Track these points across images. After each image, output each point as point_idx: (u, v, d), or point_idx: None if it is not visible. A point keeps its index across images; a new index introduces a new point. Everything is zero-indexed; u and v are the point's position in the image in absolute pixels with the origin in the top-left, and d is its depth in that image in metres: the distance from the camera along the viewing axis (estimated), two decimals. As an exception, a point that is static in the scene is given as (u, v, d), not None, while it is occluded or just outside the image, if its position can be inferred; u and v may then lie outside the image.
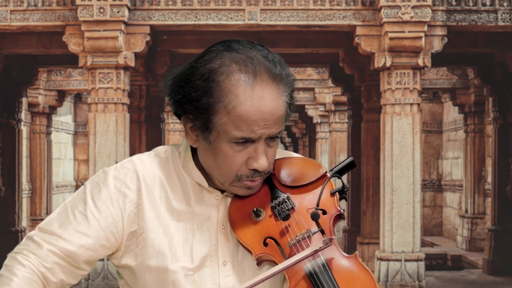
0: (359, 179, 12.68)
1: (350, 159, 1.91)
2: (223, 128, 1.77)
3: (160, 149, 1.96)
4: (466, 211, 16.19)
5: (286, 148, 30.80)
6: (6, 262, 1.83)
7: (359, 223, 12.98)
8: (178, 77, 1.83)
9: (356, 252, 1.84)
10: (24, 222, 15.19)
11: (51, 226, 1.85)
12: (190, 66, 1.81)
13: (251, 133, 1.77)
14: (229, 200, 1.89)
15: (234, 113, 1.75)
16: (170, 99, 1.85)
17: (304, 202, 1.86)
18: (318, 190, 1.86)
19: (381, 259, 10.28)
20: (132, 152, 11.11)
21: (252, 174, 1.81)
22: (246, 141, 1.78)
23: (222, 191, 1.90)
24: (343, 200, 1.89)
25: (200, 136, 1.82)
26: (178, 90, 1.82)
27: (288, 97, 1.80)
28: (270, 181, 1.88)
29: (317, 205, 1.82)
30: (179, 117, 1.87)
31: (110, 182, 1.87)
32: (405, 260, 10.18)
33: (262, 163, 1.79)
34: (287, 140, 31.68)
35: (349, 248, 13.35)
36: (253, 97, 1.75)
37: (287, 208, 1.83)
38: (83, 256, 1.84)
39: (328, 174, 1.89)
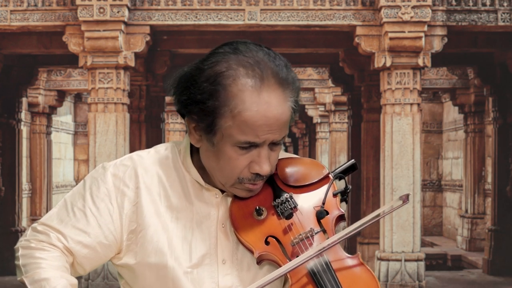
0: (359, 179, 12.67)
1: (352, 161, 1.92)
2: (227, 132, 1.76)
3: (161, 146, 1.95)
4: (466, 211, 16.18)
5: (286, 148, 30.79)
6: (21, 252, 1.84)
7: (359, 223, 12.96)
8: (183, 77, 1.81)
9: (359, 252, 1.84)
10: (24, 222, 15.19)
11: (52, 222, 1.86)
12: (196, 67, 1.80)
13: (255, 138, 1.76)
14: (229, 199, 1.89)
15: (240, 118, 1.74)
16: (175, 99, 1.83)
17: (307, 201, 1.86)
18: (320, 190, 1.87)
19: (381, 259, 10.28)
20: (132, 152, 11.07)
21: (254, 178, 1.81)
22: (250, 146, 1.78)
23: (222, 190, 1.90)
24: (344, 203, 1.89)
25: (203, 137, 1.82)
26: (183, 91, 1.80)
27: (294, 102, 1.80)
28: (273, 180, 1.87)
29: (323, 203, 1.83)
30: (183, 116, 1.85)
31: (108, 180, 1.87)
32: (405, 260, 10.18)
33: (265, 168, 1.79)
34: (287, 140, 31.65)
35: (349, 248, 13.35)
36: (259, 103, 1.74)
37: (290, 207, 1.83)
38: (82, 253, 1.84)
39: (330, 175, 1.89)
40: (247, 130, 1.75)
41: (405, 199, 1.79)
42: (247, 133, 1.75)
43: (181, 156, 1.91)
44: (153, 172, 1.89)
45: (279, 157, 1.91)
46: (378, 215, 1.81)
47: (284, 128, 1.79)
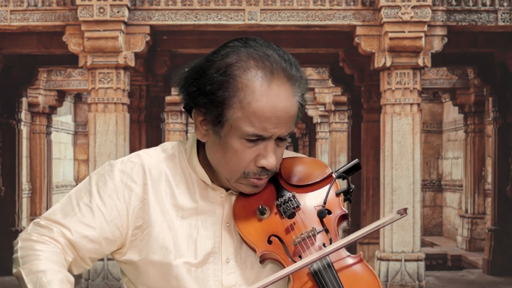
0: (359, 179, 12.67)
1: (356, 161, 1.92)
2: (235, 123, 1.77)
3: (167, 144, 1.96)
4: (466, 211, 16.18)
5: (286, 148, 30.78)
6: (21, 244, 1.83)
7: (359, 223, 12.97)
8: (193, 69, 1.83)
9: (361, 252, 1.85)
10: (24, 222, 15.18)
11: (55, 216, 1.86)
12: (206, 59, 1.82)
13: (263, 131, 1.77)
14: (233, 198, 1.89)
15: (249, 109, 1.75)
16: (183, 92, 1.84)
17: (309, 201, 1.86)
18: (323, 190, 1.87)
19: (381, 259, 10.28)
20: (132, 152, 11.07)
21: (260, 172, 1.81)
22: (257, 139, 1.78)
23: (227, 189, 1.90)
24: (347, 202, 1.89)
25: (210, 130, 1.82)
26: (193, 82, 1.81)
27: (301, 98, 1.81)
28: (276, 180, 1.88)
29: (324, 203, 1.83)
30: (189, 111, 1.86)
31: (116, 175, 1.87)
32: (405, 260, 10.18)
33: (271, 161, 1.80)
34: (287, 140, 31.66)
35: (349, 248, 13.34)
36: (269, 94, 1.75)
37: (292, 206, 1.83)
38: (86, 247, 1.84)
39: (333, 174, 1.90)
40: (256, 122, 1.75)
41: (402, 212, 1.80)
42: (255, 124, 1.76)
43: (187, 155, 1.92)
44: (160, 170, 1.90)
45: (283, 157, 1.91)
46: (377, 226, 1.82)
47: (291, 122, 1.80)
